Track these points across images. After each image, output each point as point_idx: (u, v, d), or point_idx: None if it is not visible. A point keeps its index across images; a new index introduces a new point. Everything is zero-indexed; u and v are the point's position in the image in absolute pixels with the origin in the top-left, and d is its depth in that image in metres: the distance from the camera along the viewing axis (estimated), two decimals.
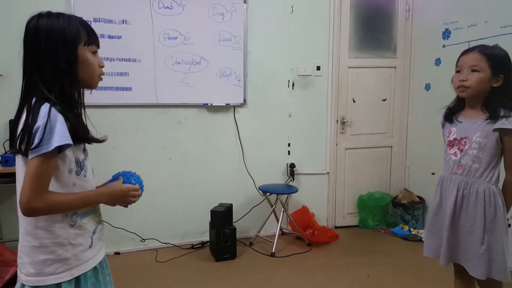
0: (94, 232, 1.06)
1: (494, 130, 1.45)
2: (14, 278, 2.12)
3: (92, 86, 1.04)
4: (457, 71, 1.51)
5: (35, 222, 0.95)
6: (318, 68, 3.12)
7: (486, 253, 1.47)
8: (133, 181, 1.09)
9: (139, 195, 1.10)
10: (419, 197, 3.22)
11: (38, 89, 0.94)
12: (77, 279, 1.00)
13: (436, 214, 1.64)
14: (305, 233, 2.98)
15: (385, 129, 3.39)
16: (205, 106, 2.91)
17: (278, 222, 2.91)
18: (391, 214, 3.36)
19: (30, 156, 0.90)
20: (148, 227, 2.86)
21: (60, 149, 0.92)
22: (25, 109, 0.94)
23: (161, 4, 2.71)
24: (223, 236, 2.64)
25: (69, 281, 0.98)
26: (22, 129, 0.91)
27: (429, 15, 3.12)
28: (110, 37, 2.62)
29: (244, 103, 2.99)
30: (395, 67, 3.33)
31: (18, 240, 1.00)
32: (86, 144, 1.07)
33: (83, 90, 1.06)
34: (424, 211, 3.20)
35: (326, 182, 3.28)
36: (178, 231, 2.95)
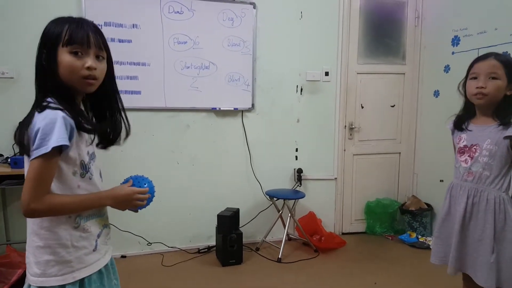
0: (99, 236, 1.05)
1: (505, 137, 1.44)
2: (20, 280, 2.13)
3: (79, 89, 0.99)
4: (473, 78, 1.49)
5: (40, 223, 0.96)
6: (327, 73, 3.12)
7: (495, 262, 1.45)
8: (144, 185, 1.08)
9: (148, 197, 1.08)
10: (427, 204, 3.19)
11: (39, 90, 0.97)
12: (81, 282, 1.00)
13: (445, 221, 1.62)
14: (312, 239, 2.96)
15: (393, 135, 3.37)
16: (214, 110, 2.92)
17: (285, 228, 2.89)
18: (398, 221, 3.33)
19: (30, 158, 0.91)
20: (154, 231, 2.86)
21: (61, 150, 0.92)
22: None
23: (171, 9, 2.73)
24: (230, 240, 2.63)
25: (73, 283, 0.97)
26: (23, 131, 0.93)
27: (438, 22, 3.12)
28: (120, 41, 2.64)
29: (252, 108, 2.99)
30: (404, 74, 3.32)
31: (25, 242, 1.01)
32: (96, 148, 1.07)
33: (107, 92, 1.06)
34: (432, 218, 3.16)
35: (333, 188, 3.26)
36: (184, 235, 2.94)
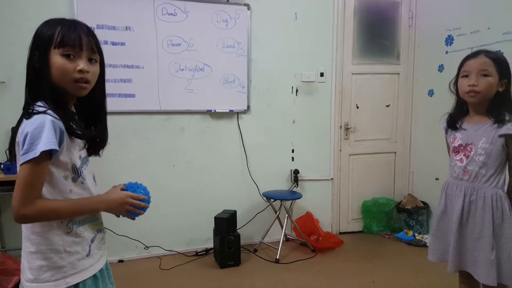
0: (92, 241, 1.03)
1: (500, 136, 1.45)
2: (16, 287, 2.11)
3: (71, 91, 0.97)
4: (464, 76, 1.50)
5: (32, 228, 0.95)
6: (322, 74, 3.13)
7: (495, 258, 1.47)
8: (140, 193, 1.07)
9: (145, 206, 1.07)
10: (423, 202, 3.21)
11: (30, 93, 0.95)
12: (76, 287, 0.98)
13: (441, 219, 1.63)
14: (309, 239, 2.97)
15: (388, 135, 3.39)
16: (209, 112, 2.91)
17: (282, 229, 2.90)
18: (395, 220, 3.35)
19: (19, 163, 0.89)
20: (151, 235, 2.84)
21: (51, 154, 0.90)
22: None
23: (164, 11, 2.71)
24: (227, 243, 2.62)
25: None
26: (14, 136, 0.92)
27: (432, 21, 3.14)
28: (113, 43, 2.62)
29: (247, 110, 2.99)
30: (398, 74, 3.33)
31: (20, 249, 1.00)
32: (88, 152, 1.06)
33: (100, 98, 1.05)
34: (428, 216, 3.19)
35: (330, 188, 3.27)
36: (182, 238, 2.93)
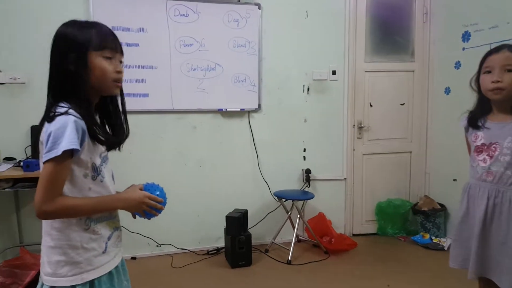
0: (109, 238, 1.05)
1: None
2: (34, 282, 2.16)
3: (107, 91, 1.04)
4: (486, 72, 1.43)
5: (51, 223, 0.98)
6: (334, 72, 3.09)
7: None
8: (157, 194, 1.09)
9: (161, 208, 1.09)
10: (441, 204, 3.11)
11: (55, 95, 0.98)
12: (91, 283, 1.00)
13: (463, 223, 1.55)
14: (322, 241, 2.92)
15: (403, 134, 3.31)
16: (220, 111, 2.92)
17: (294, 229, 2.86)
18: (411, 222, 3.26)
19: (43, 160, 0.92)
20: (164, 233, 2.86)
21: (72, 154, 0.93)
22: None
23: (177, 12, 2.75)
24: (239, 242, 2.61)
25: (83, 284, 0.98)
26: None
27: (447, 17, 3.06)
28: (128, 45, 2.68)
29: (259, 108, 2.99)
30: (413, 71, 3.26)
31: (38, 244, 1.03)
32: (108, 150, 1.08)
33: (113, 95, 1.08)
34: (446, 219, 3.08)
35: (343, 188, 3.22)
36: (193, 236, 2.94)
